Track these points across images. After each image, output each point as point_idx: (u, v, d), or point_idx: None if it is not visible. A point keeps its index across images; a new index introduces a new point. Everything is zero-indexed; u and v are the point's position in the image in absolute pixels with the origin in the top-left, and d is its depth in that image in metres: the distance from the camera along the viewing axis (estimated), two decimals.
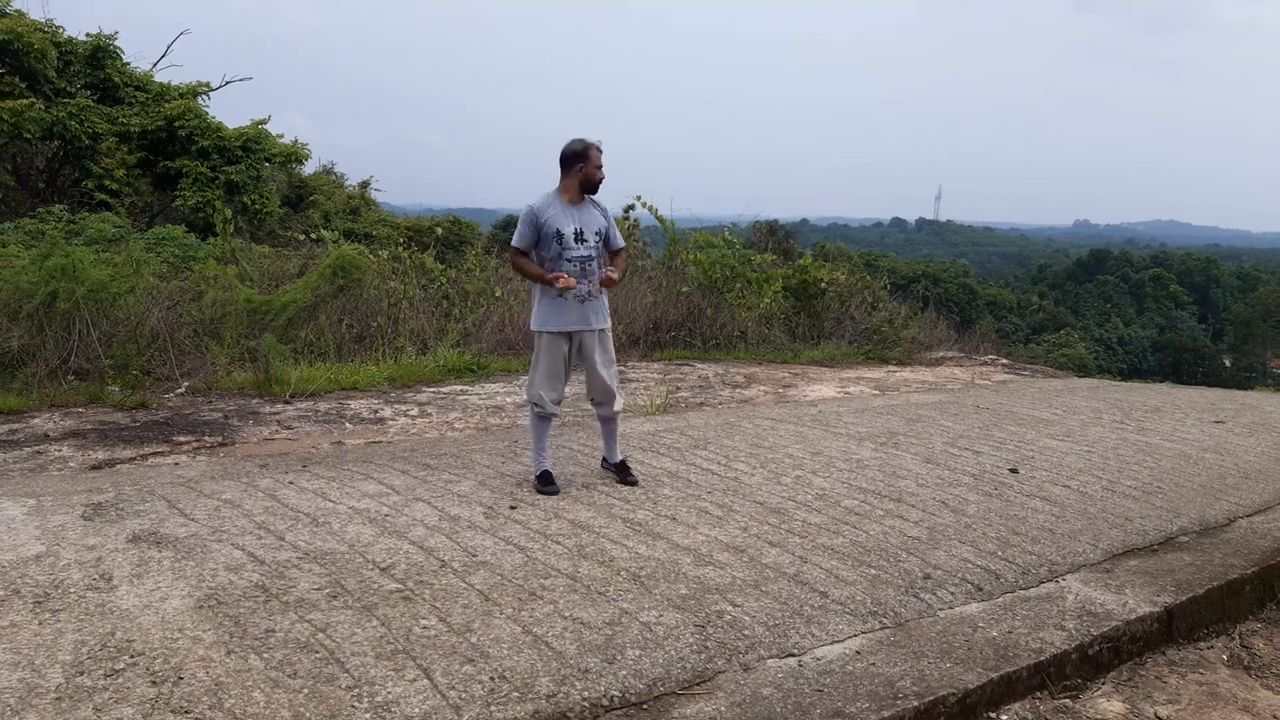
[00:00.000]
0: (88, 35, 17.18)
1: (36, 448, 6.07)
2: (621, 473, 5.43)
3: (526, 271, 5.18)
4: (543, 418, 5.22)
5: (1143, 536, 4.86)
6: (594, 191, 5.18)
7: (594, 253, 5.12)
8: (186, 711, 2.82)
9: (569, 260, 5.04)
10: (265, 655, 3.19)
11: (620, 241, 5.34)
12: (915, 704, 3.10)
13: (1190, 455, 6.72)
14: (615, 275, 5.23)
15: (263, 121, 17.96)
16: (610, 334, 5.31)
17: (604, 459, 5.60)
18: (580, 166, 5.08)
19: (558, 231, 5.03)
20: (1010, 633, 3.66)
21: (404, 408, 7.77)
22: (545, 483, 5.19)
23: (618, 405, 5.35)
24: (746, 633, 3.53)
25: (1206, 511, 5.33)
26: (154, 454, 6.04)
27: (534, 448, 5.30)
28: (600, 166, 5.12)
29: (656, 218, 13.65)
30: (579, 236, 5.07)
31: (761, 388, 9.49)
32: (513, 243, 5.19)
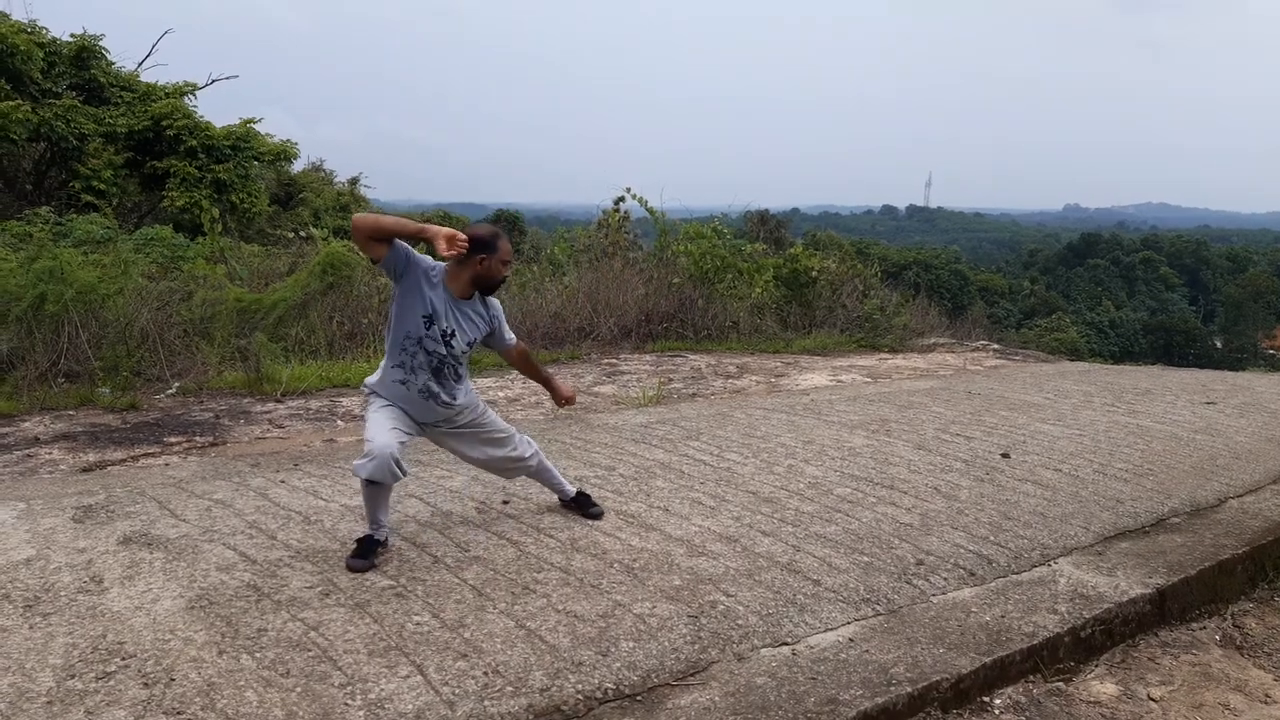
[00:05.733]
0: (72, 36, 17.07)
1: (27, 451, 6.04)
2: (583, 506, 4.70)
3: (379, 220, 3.89)
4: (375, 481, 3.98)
5: (1134, 518, 4.87)
6: (490, 292, 4.18)
7: (457, 360, 4.11)
8: (179, 713, 2.82)
9: (425, 351, 4.01)
10: (257, 655, 3.18)
11: (513, 338, 4.41)
12: (909, 690, 3.11)
13: (1181, 437, 6.73)
14: (570, 393, 4.63)
15: (252, 120, 17.87)
16: (475, 409, 4.34)
17: (560, 501, 4.79)
18: (482, 258, 4.00)
19: (430, 314, 3.98)
20: (1003, 617, 3.67)
21: None
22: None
23: (522, 450, 4.48)
24: (740, 622, 3.53)
25: (1198, 492, 5.35)
26: (145, 455, 6.02)
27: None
28: (508, 263, 4.12)
29: (646, 209, 13.64)
30: (446, 337, 4.03)
31: (754, 377, 9.49)
32: (395, 241, 3.88)
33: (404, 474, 3.98)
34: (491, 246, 4.01)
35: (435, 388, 4.08)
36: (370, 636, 3.32)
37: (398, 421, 4.05)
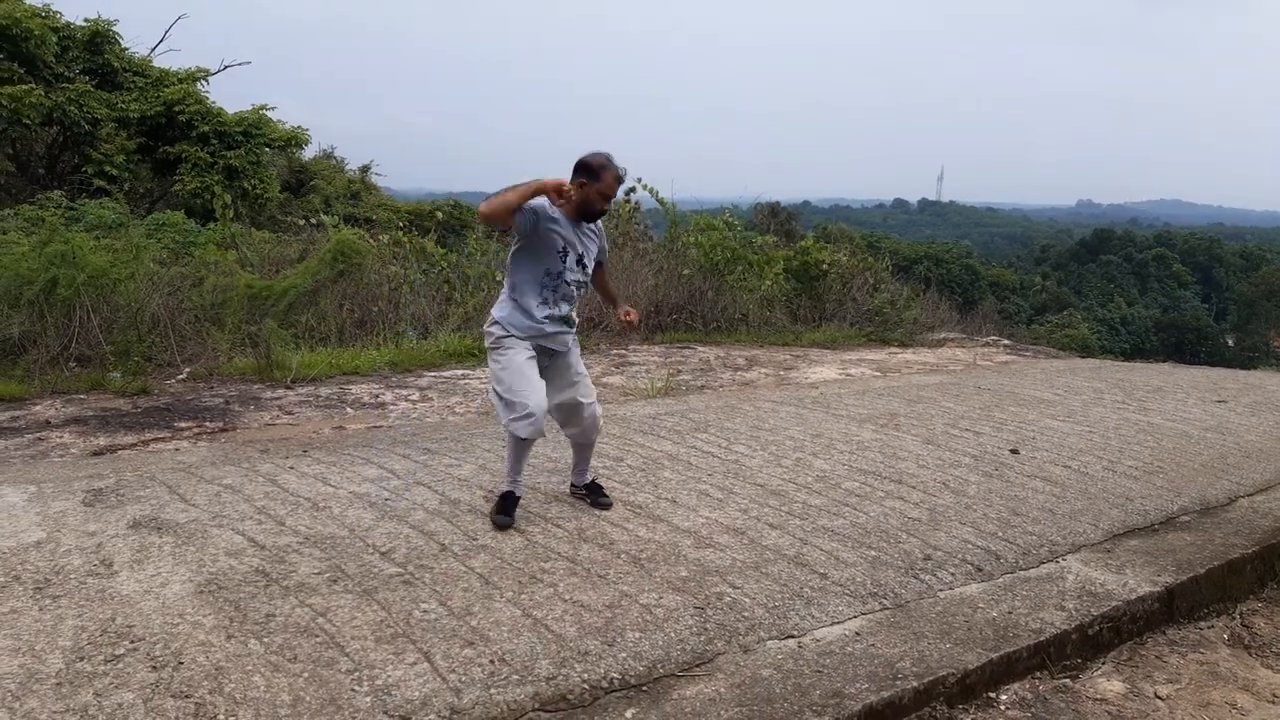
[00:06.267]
0: (86, 20, 17.10)
1: (38, 434, 6.07)
2: (595, 494, 4.75)
3: (503, 199, 4.01)
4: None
5: (1143, 516, 4.85)
6: (591, 220, 4.36)
7: (586, 279, 4.43)
8: (187, 696, 2.83)
9: (565, 282, 4.30)
10: (265, 640, 3.19)
11: (606, 256, 4.64)
12: (915, 684, 3.11)
13: (1192, 435, 6.70)
14: (633, 315, 4.68)
15: (264, 107, 17.89)
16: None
17: (572, 484, 4.87)
18: (582, 182, 4.20)
19: (563, 248, 4.25)
20: (1010, 613, 3.67)
21: (405, 392, 7.77)
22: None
23: (595, 402, 4.62)
24: (746, 614, 3.53)
25: (1208, 491, 5.32)
26: (155, 440, 6.05)
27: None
28: (609, 198, 4.31)
29: (657, 200, 13.61)
30: (581, 263, 4.35)
31: (762, 370, 9.48)
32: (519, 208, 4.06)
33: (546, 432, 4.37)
34: (594, 175, 4.20)
35: (568, 312, 4.39)
36: (378, 623, 3.33)
37: (535, 369, 4.29)
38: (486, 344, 4.44)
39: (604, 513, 4.58)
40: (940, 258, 58.77)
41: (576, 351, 4.57)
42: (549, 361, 4.44)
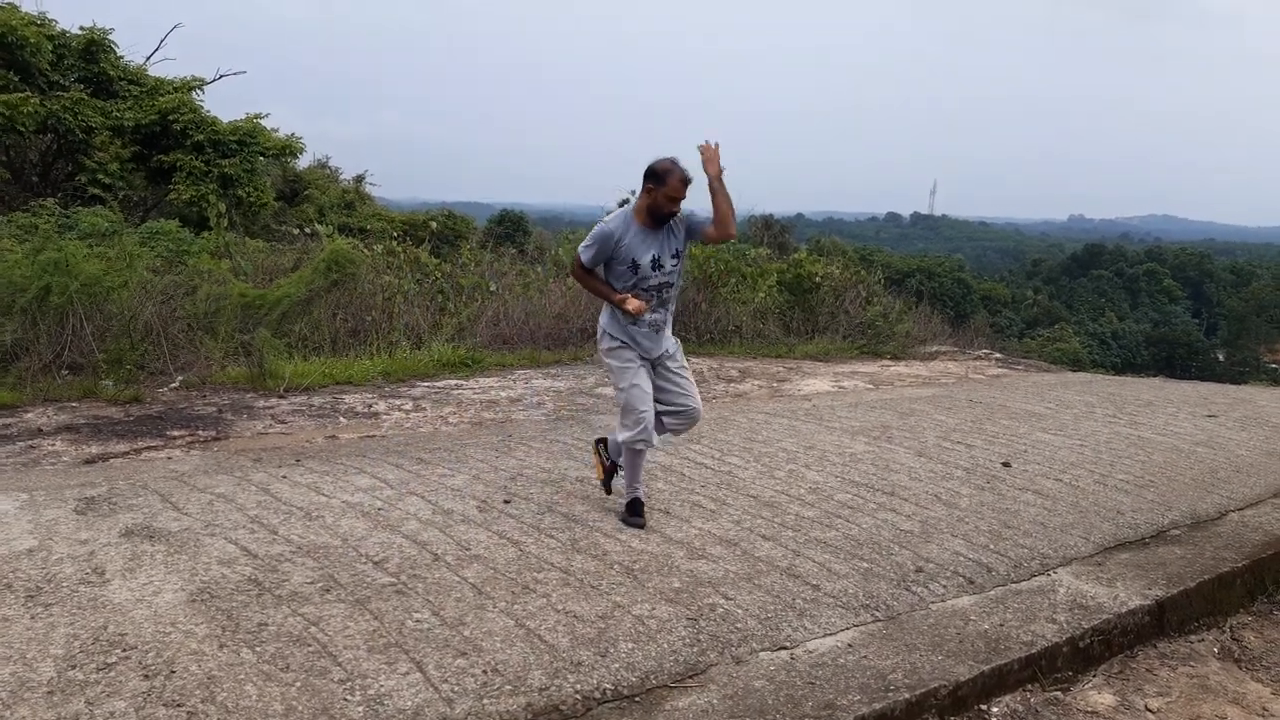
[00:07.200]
0: (81, 29, 17.10)
1: (29, 442, 6.06)
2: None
3: (594, 289, 4.64)
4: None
5: (1134, 530, 4.87)
6: (661, 223, 4.49)
7: (672, 278, 4.58)
8: (179, 705, 2.83)
9: (645, 290, 4.51)
10: (258, 649, 3.19)
11: (706, 219, 4.54)
12: (906, 696, 3.12)
13: (1182, 449, 6.74)
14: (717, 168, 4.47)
15: (258, 116, 17.89)
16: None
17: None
18: (649, 187, 4.40)
19: (634, 262, 4.46)
20: (1001, 625, 3.68)
21: (398, 402, 7.77)
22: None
23: (698, 406, 4.81)
24: (739, 626, 3.54)
25: (1198, 505, 5.35)
26: (147, 448, 6.04)
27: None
28: (677, 200, 4.42)
29: None
30: (656, 263, 4.48)
31: (756, 382, 9.50)
32: (581, 257, 4.55)
33: (659, 442, 4.63)
34: (660, 179, 4.36)
35: (660, 318, 4.61)
36: (370, 633, 3.33)
37: (646, 379, 4.58)
38: (601, 347, 4.72)
39: (597, 523, 4.59)
40: (933, 271, 58.93)
41: (680, 356, 4.77)
42: (652, 369, 4.69)
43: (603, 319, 4.70)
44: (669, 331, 4.73)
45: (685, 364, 4.80)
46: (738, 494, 5.19)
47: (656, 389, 4.65)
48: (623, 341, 4.59)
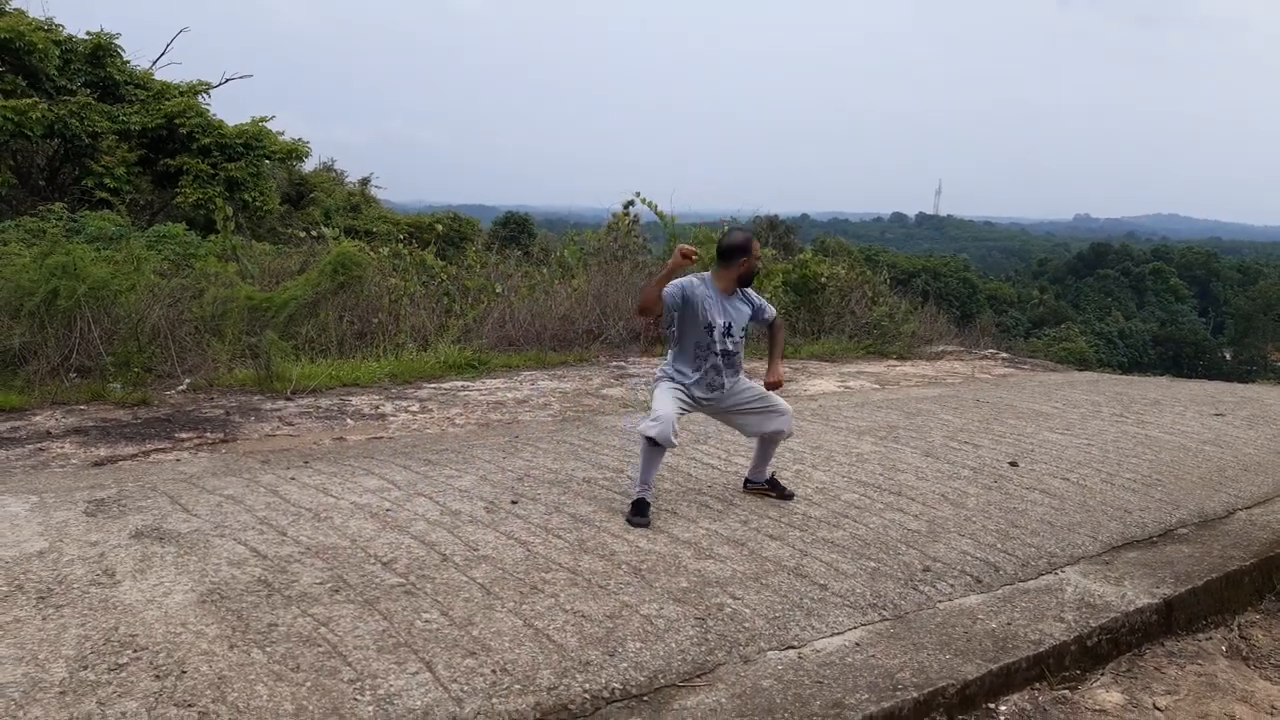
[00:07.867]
0: (88, 34, 17.17)
1: (39, 445, 6.09)
2: (778, 489, 5.19)
3: (651, 287, 4.74)
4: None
5: (1142, 528, 4.87)
6: (749, 284, 4.99)
7: (738, 348, 4.93)
8: (190, 705, 2.84)
9: (715, 354, 4.83)
10: (268, 649, 3.20)
11: (772, 311, 5.08)
12: (915, 695, 3.12)
13: (1190, 448, 6.73)
14: (778, 378, 5.03)
15: (264, 119, 17.95)
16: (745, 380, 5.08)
17: (749, 479, 5.30)
18: (743, 260, 4.86)
19: (710, 323, 4.80)
20: (1009, 624, 3.68)
21: (405, 404, 7.79)
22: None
23: (784, 425, 5.05)
24: (747, 625, 3.54)
25: (1206, 503, 5.35)
26: (156, 450, 6.06)
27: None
28: (760, 258, 5.01)
29: (656, 213, 13.66)
30: (728, 332, 4.85)
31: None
32: (660, 290, 4.69)
33: (676, 442, 4.72)
34: (748, 250, 4.86)
35: (719, 378, 4.89)
36: (379, 633, 3.35)
37: (679, 396, 4.85)
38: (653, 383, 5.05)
39: (604, 524, 4.60)
40: (938, 271, 58.88)
41: (747, 392, 5.00)
42: (718, 406, 4.99)
43: (665, 368, 4.97)
44: (732, 388, 4.96)
45: (751, 384, 5.04)
46: (744, 494, 5.20)
47: (740, 425, 5.08)
48: (678, 384, 4.87)
